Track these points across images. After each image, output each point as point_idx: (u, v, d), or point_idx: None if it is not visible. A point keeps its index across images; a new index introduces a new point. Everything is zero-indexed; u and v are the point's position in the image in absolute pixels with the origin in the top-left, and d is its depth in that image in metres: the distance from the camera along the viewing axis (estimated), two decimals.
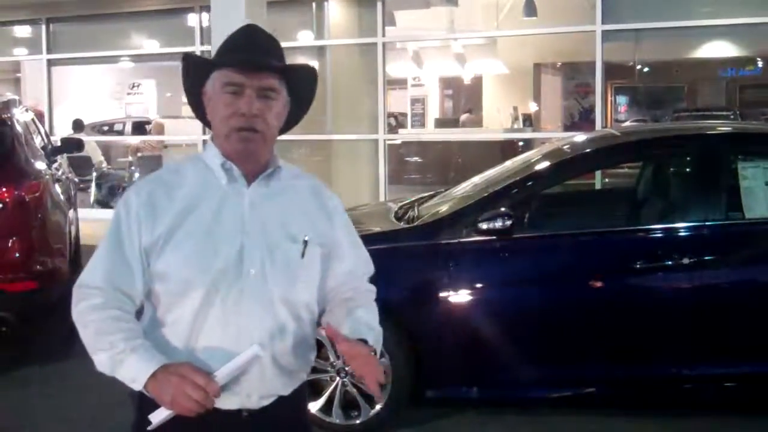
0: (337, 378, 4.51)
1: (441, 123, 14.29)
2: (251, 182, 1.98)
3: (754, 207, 4.39)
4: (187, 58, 2.05)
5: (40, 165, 6.08)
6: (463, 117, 14.85)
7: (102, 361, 1.86)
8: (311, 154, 11.10)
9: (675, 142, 4.99)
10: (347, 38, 10.44)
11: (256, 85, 1.90)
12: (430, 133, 10.59)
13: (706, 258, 4.32)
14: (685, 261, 4.28)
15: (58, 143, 7.46)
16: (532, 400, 4.57)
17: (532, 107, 15.70)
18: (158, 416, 1.81)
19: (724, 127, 6.09)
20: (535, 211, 4.75)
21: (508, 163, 5.15)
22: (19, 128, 5.99)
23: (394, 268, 4.52)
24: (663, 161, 5.10)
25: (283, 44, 2.02)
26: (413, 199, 5.58)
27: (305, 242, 1.99)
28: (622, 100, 19.39)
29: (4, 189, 5.36)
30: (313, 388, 4.54)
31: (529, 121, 14.07)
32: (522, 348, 4.42)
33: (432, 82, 16.99)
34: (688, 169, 4.72)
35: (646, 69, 17.22)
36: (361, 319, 2.03)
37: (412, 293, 4.46)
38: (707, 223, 4.40)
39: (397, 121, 15.82)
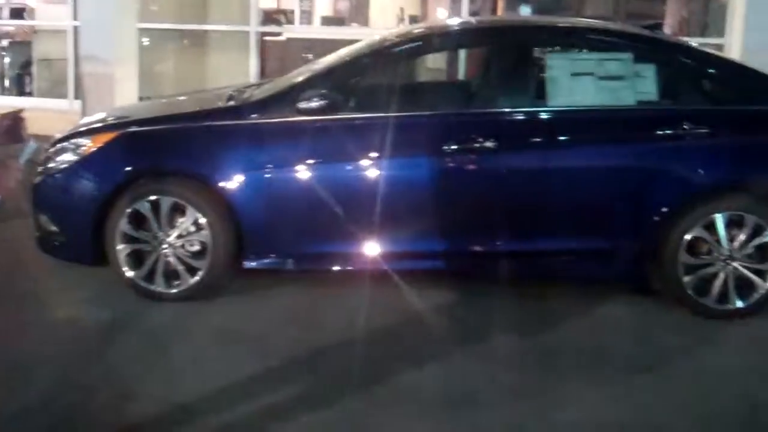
0: (160, 248, 4.70)
1: (327, 21, 14.20)
2: None
3: (557, 96, 4.67)
4: None
5: None
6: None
7: None
8: (190, 45, 10.98)
9: (489, 33, 5.21)
10: None
11: None
12: (303, 30, 10.52)
13: (510, 142, 4.59)
14: (489, 144, 4.55)
15: None
16: (347, 272, 4.84)
17: (419, 9, 15.74)
18: None
19: (537, 21, 6.32)
20: (360, 95, 4.91)
21: (345, 49, 5.28)
22: None
23: (215, 145, 4.69)
24: (478, 51, 5.33)
25: None
26: (253, 83, 5.69)
27: None
28: (511, 6, 19.40)
29: None
30: (136, 258, 4.74)
31: (416, 22, 14.11)
32: (332, 223, 4.66)
33: None
34: (500, 59, 4.94)
35: None
36: None
37: (232, 169, 4.62)
38: (513, 110, 4.67)
39: (286, 18, 15.62)
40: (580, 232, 4.70)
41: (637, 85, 4.64)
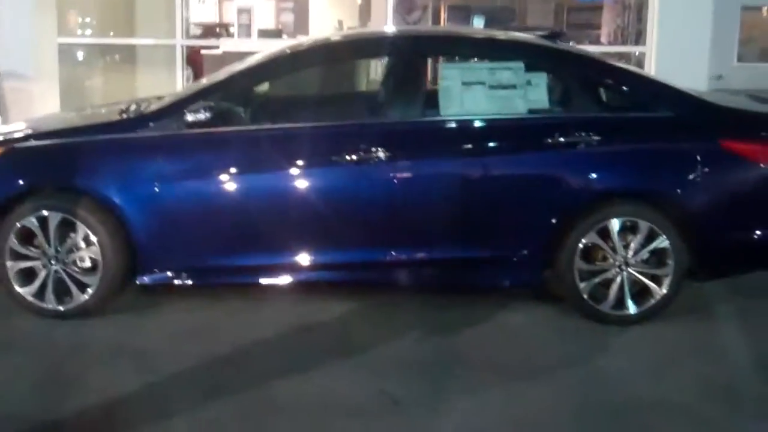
0: (50, 265, 4.60)
1: (264, 34, 14.19)
2: None
3: (449, 106, 4.66)
4: None
5: None
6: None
7: None
8: (117, 59, 10.88)
9: (381, 44, 5.19)
10: None
11: None
12: (238, 43, 10.44)
13: (403, 152, 4.57)
14: (382, 155, 4.53)
15: None
16: (241, 285, 4.79)
17: (358, 21, 15.75)
18: None
19: (429, 31, 6.32)
20: (252, 106, 4.88)
21: (246, 61, 5.24)
22: None
23: (104, 159, 4.62)
24: (368, 63, 5.33)
25: None
26: (156, 96, 5.62)
27: None
28: (453, 17, 19.49)
29: None
30: (26, 275, 4.64)
31: None
32: (226, 237, 4.62)
33: None
34: (392, 70, 4.93)
35: None
36: None
37: (122, 184, 4.55)
38: (404, 120, 4.66)
39: (226, 32, 15.62)
40: (479, 240, 4.70)
41: (528, 94, 4.65)
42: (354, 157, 4.52)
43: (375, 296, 4.98)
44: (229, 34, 16.03)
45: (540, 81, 4.68)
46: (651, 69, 7.71)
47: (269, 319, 4.66)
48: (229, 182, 4.57)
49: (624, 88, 4.81)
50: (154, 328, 4.59)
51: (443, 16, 17.83)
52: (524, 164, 4.63)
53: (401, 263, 4.71)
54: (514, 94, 4.66)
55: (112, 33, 10.67)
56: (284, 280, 4.71)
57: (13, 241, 4.58)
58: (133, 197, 4.53)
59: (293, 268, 4.69)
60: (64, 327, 4.55)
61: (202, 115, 4.51)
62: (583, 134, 4.57)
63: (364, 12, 16.42)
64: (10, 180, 4.64)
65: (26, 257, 4.62)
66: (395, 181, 4.56)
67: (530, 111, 4.66)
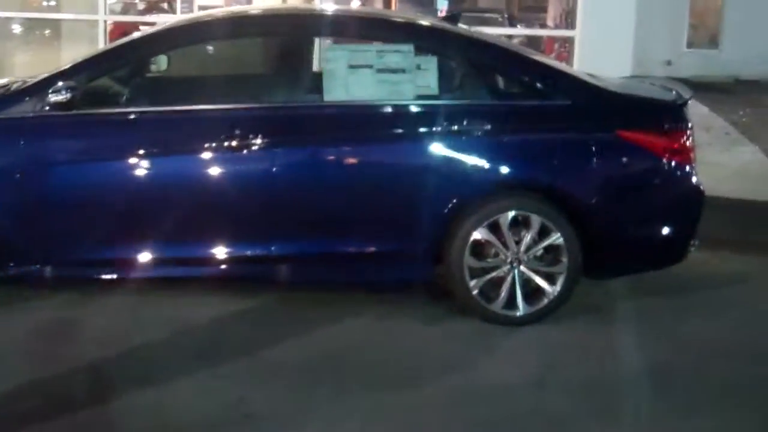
0: None
1: (204, 9, 13.90)
2: None
3: (333, 90, 4.36)
4: None
5: None
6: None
7: None
8: (49, 35, 10.53)
9: (263, 23, 4.86)
10: None
11: None
12: (174, 18, 10.08)
13: (282, 139, 4.27)
14: (259, 141, 4.23)
15: None
16: (99, 280, 4.49)
17: None
18: None
19: (315, 11, 5.98)
20: (124, 88, 4.56)
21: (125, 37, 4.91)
22: None
23: None
24: (247, 42, 5.01)
25: None
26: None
27: None
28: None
29: None
30: None
31: None
32: (93, 228, 4.31)
33: None
34: (274, 51, 4.64)
35: None
36: None
37: None
38: (284, 105, 4.36)
39: (170, 6, 15.37)
40: (364, 233, 4.43)
41: (417, 79, 4.36)
42: (230, 143, 4.22)
43: (258, 293, 4.68)
44: (172, 9, 15.65)
45: (430, 65, 4.38)
46: (576, 54, 7.44)
47: (139, 319, 4.35)
48: (93, 170, 4.27)
49: (519, 74, 4.53)
50: (15, 327, 4.26)
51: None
52: (411, 153, 4.35)
53: (284, 258, 4.41)
54: (402, 78, 4.36)
55: (37, 7, 10.30)
56: (155, 274, 4.41)
57: None
58: None
59: (165, 263, 4.40)
60: None
61: (63, 96, 4.17)
62: (473, 122, 4.30)
63: None
64: None
65: None
66: (274, 170, 4.27)
67: (418, 97, 4.37)
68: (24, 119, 4.27)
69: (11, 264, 4.36)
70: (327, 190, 4.35)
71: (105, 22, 9.36)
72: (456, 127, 4.29)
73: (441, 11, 15.94)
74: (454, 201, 4.31)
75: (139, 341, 4.14)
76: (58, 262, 4.39)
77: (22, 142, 4.27)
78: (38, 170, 4.26)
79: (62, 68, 4.42)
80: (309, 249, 4.40)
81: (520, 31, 12.47)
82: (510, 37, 10.00)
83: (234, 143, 4.22)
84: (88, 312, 4.43)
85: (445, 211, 4.31)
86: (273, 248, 4.38)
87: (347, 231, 4.42)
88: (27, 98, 4.31)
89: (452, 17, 4.95)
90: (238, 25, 4.75)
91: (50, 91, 4.21)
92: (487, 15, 14.95)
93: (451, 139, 4.29)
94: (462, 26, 5.00)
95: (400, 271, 4.48)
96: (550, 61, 4.63)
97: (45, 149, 4.28)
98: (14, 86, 4.60)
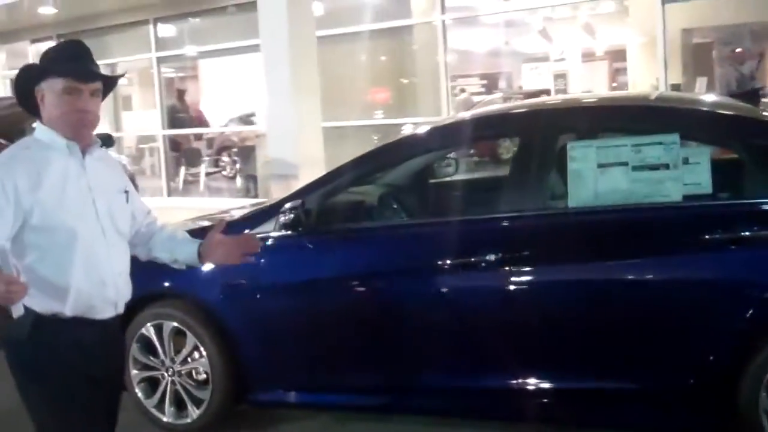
0: (167, 376, 4.38)
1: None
2: (84, 154, 2.63)
3: (580, 194, 3.67)
4: (31, 67, 2.69)
5: None
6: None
7: None
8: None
9: (499, 123, 4.29)
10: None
11: (90, 89, 2.59)
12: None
13: (517, 256, 3.67)
14: (491, 258, 3.67)
15: None
16: (354, 406, 4.18)
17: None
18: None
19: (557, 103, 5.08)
20: (353, 207, 4.27)
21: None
22: None
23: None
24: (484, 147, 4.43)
25: None
26: None
27: (126, 192, 2.78)
28: None
29: None
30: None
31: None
32: (335, 351, 4.04)
33: (574, 56, 16.02)
34: (508, 154, 4.04)
35: None
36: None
37: (228, 291, 4.19)
38: (520, 215, 3.75)
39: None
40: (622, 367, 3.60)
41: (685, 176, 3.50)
42: (459, 261, 3.72)
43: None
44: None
45: (702, 158, 3.50)
46: None
47: None
48: (327, 290, 4.02)
49: None
50: None
51: None
52: (681, 268, 3.47)
53: (524, 392, 3.75)
54: (666, 176, 3.53)
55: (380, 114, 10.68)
56: (393, 403, 4.01)
57: None
58: (237, 305, 4.16)
59: (405, 391, 3.97)
60: None
61: (294, 217, 4.00)
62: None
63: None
64: None
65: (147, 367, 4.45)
66: (509, 291, 3.67)
67: (686, 197, 3.51)
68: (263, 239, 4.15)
69: (259, 389, 4.24)
70: (573, 315, 3.63)
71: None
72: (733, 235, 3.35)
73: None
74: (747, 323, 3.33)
75: None
76: (307, 386, 4.17)
77: (261, 262, 4.15)
78: (274, 291, 4.10)
79: (303, 186, 4.28)
80: (556, 383, 3.70)
81: None
82: None
83: (463, 261, 3.71)
84: None
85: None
86: (513, 381, 3.74)
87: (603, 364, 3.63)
88: (269, 217, 4.19)
89: (751, 94, 3.95)
90: (475, 128, 4.25)
91: (281, 210, 4.06)
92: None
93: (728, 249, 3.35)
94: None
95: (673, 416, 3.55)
96: None
97: (281, 270, 4.12)
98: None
